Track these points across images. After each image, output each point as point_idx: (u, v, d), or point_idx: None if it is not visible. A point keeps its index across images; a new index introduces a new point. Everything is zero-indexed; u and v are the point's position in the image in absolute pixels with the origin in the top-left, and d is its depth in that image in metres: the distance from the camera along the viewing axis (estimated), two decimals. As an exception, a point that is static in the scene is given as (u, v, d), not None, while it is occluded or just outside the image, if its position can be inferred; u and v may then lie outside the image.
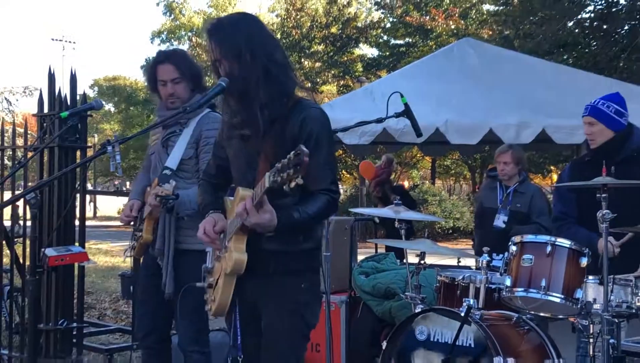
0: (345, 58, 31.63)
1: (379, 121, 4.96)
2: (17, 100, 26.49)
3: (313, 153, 3.07)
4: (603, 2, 16.54)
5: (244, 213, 3.05)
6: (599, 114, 4.84)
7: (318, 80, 30.99)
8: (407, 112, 4.83)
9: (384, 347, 4.77)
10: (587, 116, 4.88)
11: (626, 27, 16.32)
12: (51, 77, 6.12)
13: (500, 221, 6.62)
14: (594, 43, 16.99)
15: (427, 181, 31.64)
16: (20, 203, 5.02)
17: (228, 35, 3.29)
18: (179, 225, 4.48)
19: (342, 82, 31.30)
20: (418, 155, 27.79)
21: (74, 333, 5.97)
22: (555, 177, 28.22)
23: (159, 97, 4.67)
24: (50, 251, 4.73)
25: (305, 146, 3.06)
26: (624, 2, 16.16)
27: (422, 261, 5.36)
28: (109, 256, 17.86)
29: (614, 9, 16.18)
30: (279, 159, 3.04)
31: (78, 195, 5.96)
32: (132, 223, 4.70)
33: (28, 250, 5.36)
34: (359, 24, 31.58)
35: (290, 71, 3.40)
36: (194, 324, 4.51)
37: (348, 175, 30.23)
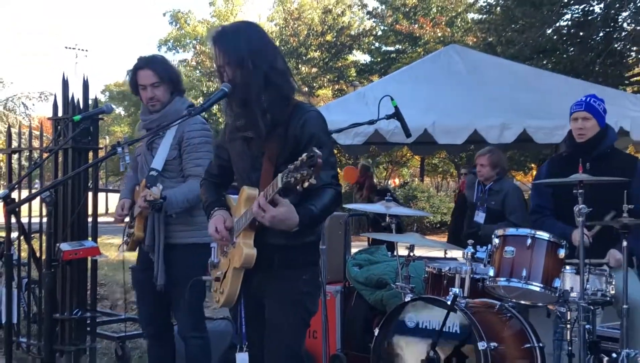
0: (340, 64, 31.62)
1: (371, 122, 4.97)
2: (33, 105, 26.54)
3: None
4: (579, 10, 16.54)
5: (260, 211, 3.01)
6: (593, 110, 4.83)
7: (314, 84, 30.97)
8: (397, 115, 4.84)
9: (376, 334, 4.79)
10: (583, 111, 4.83)
11: (601, 34, 16.32)
12: (65, 83, 6.11)
13: (479, 217, 6.64)
14: (571, 49, 16.98)
15: (416, 179, 31.60)
16: (37, 200, 5.03)
17: (231, 44, 3.29)
18: (167, 221, 4.48)
19: (336, 87, 31.26)
20: (408, 154, 27.76)
21: (88, 322, 5.96)
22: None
23: (141, 101, 4.70)
24: (64, 246, 4.73)
25: (306, 146, 3.09)
26: (599, 11, 16.16)
27: (412, 254, 5.37)
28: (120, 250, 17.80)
29: (589, 17, 16.18)
30: (281, 160, 3.05)
31: (90, 193, 5.95)
32: (125, 220, 4.71)
33: (44, 244, 5.36)
34: (352, 32, 31.57)
35: (290, 77, 3.39)
36: (191, 312, 4.52)
37: (342, 173, 30.18)
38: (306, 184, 2.78)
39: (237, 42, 3.28)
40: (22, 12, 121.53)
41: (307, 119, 3.27)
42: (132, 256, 5.03)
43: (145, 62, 4.59)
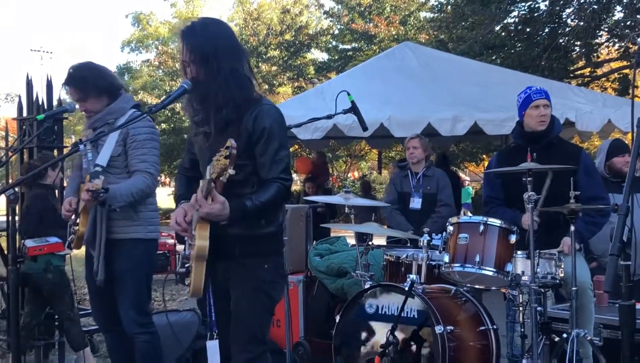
0: (299, 62, 31.52)
1: (329, 117, 4.95)
2: (0, 106, 26.03)
3: (265, 145, 3.17)
4: (526, 7, 16.65)
5: (195, 204, 3.04)
6: (549, 98, 4.85)
7: (275, 82, 30.83)
8: (353, 109, 4.82)
9: (337, 320, 4.79)
10: (544, 99, 4.82)
11: (546, 30, 16.45)
12: (29, 84, 6.03)
13: (416, 203, 6.68)
14: (519, 45, 17.09)
15: (374, 171, 31.64)
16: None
17: (198, 41, 3.25)
18: (110, 216, 4.35)
19: (296, 84, 31.14)
20: (366, 148, 27.75)
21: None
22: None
23: None
24: (29, 243, 4.64)
25: (257, 139, 3.17)
26: (544, 8, 16.29)
27: (370, 242, 5.37)
28: (87, 246, 17.56)
29: (535, 14, 16.30)
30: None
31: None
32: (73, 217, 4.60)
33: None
34: (310, 31, 31.49)
35: (249, 80, 3.35)
36: (134, 306, 4.38)
37: (295, 165, 30.06)
38: (226, 175, 2.80)
39: (205, 40, 3.25)
40: (3, 26, 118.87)
41: (259, 112, 3.26)
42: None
43: (66, 80, 4.45)
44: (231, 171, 2.80)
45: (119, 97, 4.48)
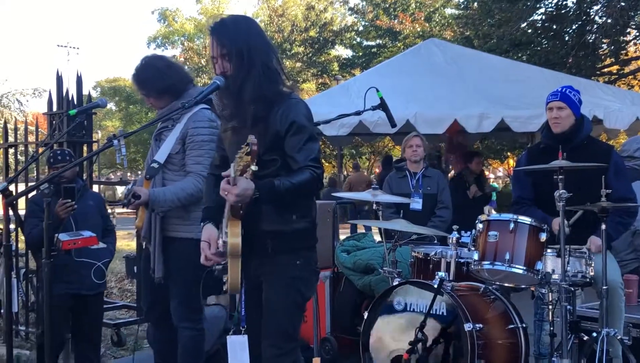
0: (323, 58, 31.55)
1: (358, 113, 4.94)
2: (27, 101, 26.29)
3: (293, 139, 3.18)
4: (553, 5, 16.56)
5: (223, 193, 2.98)
6: (568, 100, 4.80)
7: (299, 79, 30.90)
8: (382, 106, 4.82)
9: (365, 317, 4.78)
10: (558, 101, 4.79)
11: (574, 27, 16.35)
12: (59, 80, 6.07)
13: (416, 204, 6.64)
14: (546, 42, 17.00)
15: (397, 168, 31.58)
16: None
17: (229, 36, 3.26)
18: (166, 214, 4.34)
19: (320, 81, 31.19)
20: (390, 144, 27.74)
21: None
22: (512, 162, 28.33)
23: None
24: (63, 236, 4.64)
25: (286, 133, 3.18)
26: (572, 5, 16.19)
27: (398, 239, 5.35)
28: (113, 240, 17.65)
29: (562, 11, 16.20)
30: (262, 149, 3.03)
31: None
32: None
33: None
34: (335, 28, 31.53)
35: (280, 76, 3.35)
36: (183, 303, 4.37)
37: (327, 164, 30.13)
38: (249, 171, 2.81)
39: (236, 35, 3.26)
40: (30, 21, 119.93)
41: (286, 107, 3.26)
42: (126, 245, 4.96)
43: (132, 76, 4.48)
44: (254, 168, 2.80)
45: (185, 95, 4.37)
